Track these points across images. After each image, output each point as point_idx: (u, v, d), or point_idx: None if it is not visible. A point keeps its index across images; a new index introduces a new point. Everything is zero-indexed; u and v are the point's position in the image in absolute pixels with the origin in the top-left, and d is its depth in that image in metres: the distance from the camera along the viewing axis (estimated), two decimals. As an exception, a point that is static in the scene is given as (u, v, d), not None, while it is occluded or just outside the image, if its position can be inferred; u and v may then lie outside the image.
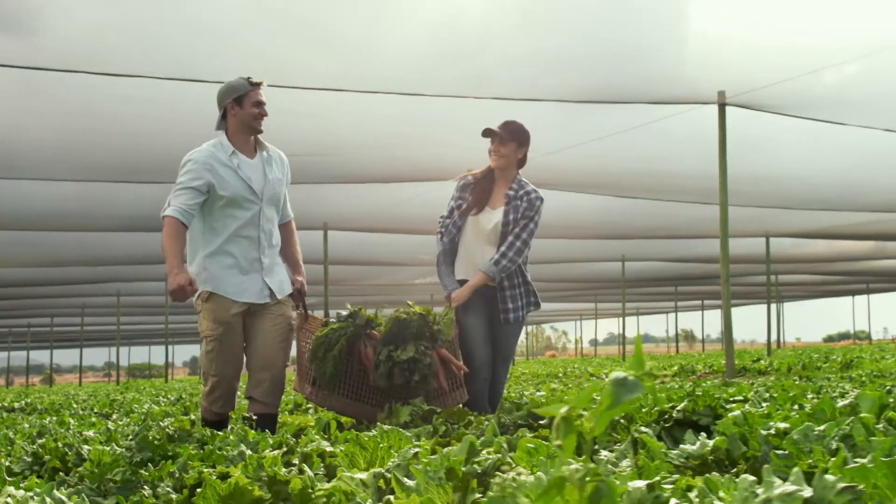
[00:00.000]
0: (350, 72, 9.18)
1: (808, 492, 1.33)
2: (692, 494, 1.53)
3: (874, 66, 10.06)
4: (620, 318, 28.47)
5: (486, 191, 5.28)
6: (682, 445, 2.72)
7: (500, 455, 2.04)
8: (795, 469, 1.36)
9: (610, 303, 38.48)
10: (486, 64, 9.70)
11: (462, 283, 5.25)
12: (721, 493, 1.44)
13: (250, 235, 4.68)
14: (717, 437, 2.58)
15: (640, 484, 1.59)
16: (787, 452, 2.38)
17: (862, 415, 2.45)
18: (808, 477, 1.46)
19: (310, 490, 2.13)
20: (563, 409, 0.87)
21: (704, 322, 49.59)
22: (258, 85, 4.67)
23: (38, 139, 10.36)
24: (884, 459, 1.41)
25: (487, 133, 5.25)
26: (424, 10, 9.02)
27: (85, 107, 9.59)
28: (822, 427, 2.47)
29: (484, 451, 2.02)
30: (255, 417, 4.60)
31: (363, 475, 2.25)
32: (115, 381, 32.60)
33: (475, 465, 1.96)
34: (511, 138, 5.24)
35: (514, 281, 5.25)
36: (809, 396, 4.60)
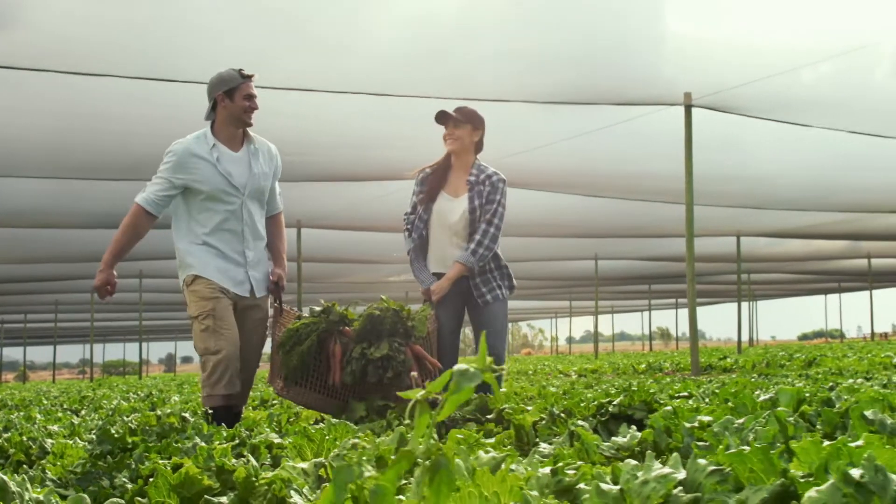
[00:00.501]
0: (325, 72, 9.26)
1: (681, 474, 1.47)
2: (570, 472, 1.67)
3: (840, 68, 10.25)
4: (590, 317, 28.68)
5: (442, 178, 5.22)
6: (613, 437, 2.88)
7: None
8: (675, 455, 1.50)
9: (585, 301, 38.70)
10: (458, 65, 9.79)
11: (437, 276, 5.16)
12: (608, 478, 1.58)
13: (234, 229, 4.66)
14: (646, 430, 2.73)
15: (546, 470, 1.73)
16: (707, 443, 2.52)
17: (779, 409, 2.61)
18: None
19: (253, 478, 2.26)
20: (419, 394, 0.99)
21: (679, 320, 49.92)
22: (249, 78, 4.64)
23: (12, 136, 10.38)
24: (758, 446, 1.56)
25: (441, 117, 5.17)
26: (397, 15, 9.09)
27: (60, 104, 9.62)
28: (741, 420, 2.62)
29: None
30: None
31: (305, 465, 2.39)
32: (90, 378, 32.50)
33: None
34: (465, 120, 5.15)
35: (484, 268, 5.16)
36: (756, 393, 4.77)
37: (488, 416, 3.76)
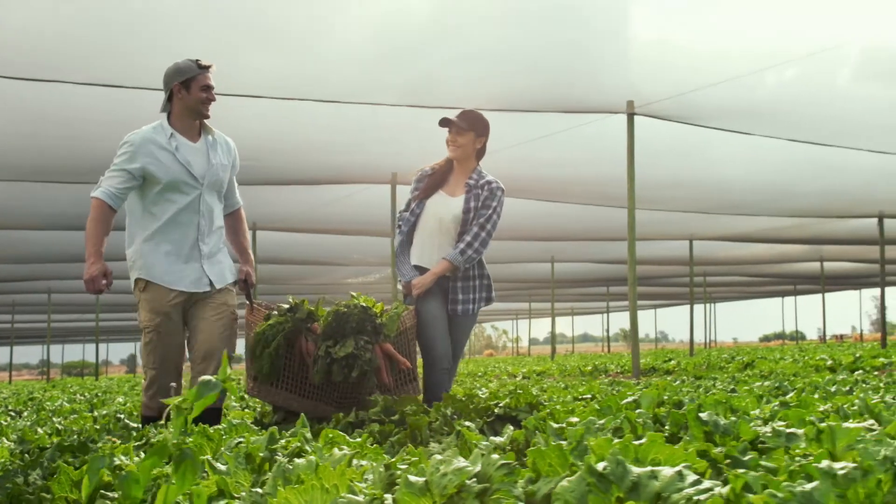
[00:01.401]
0: (285, 78, 9.41)
1: (477, 468, 1.70)
2: (416, 470, 1.90)
3: (780, 79, 10.51)
4: (555, 318, 29.02)
5: (442, 179, 5.16)
6: (492, 437, 3.11)
7: (300, 444, 2.40)
8: (476, 451, 1.73)
9: (545, 303, 39.06)
10: (410, 74, 9.95)
11: (419, 270, 5.10)
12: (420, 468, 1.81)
13: (189, 221, 4.53)
14: (518, 430, 2.96)
15: (379, 464, 1.95)
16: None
17: (638, 410, 2.85)
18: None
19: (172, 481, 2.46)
20: (177, 401, 1.20)
21: (639, 322, 50.22)
22: (207, 68, 4.53)
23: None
24: (553, 444, 1.79)
25: (445, 123, 5.11)
26: (348, 23, 9.22)
27: (17, 108, 9.72)
28: (602, 420, 2.86)
29: (283, 441, 2.37)
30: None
31: (193, 462, 2.59)
32: (47, 379, 32.36)
33: (273, 451, 2.31)
34: (468, 127, 5.08)
35: (468, 272, 5.11)
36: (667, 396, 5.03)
37: (392, 418, 3.98)
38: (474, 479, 1.68)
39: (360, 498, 1.74)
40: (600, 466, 1.49)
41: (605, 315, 44.82)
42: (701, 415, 2.57)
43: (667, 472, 1.47)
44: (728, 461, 1.85)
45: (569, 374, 12.65)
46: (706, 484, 1.41)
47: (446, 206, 5.10)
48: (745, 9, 10.03)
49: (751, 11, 10.02)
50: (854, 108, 11.37)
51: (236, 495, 2.13)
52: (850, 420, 2.82)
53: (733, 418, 2.60)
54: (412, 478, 1.72)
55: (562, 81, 10.56)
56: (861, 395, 3.51)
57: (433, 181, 5.17)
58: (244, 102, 9.49)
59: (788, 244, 23.74)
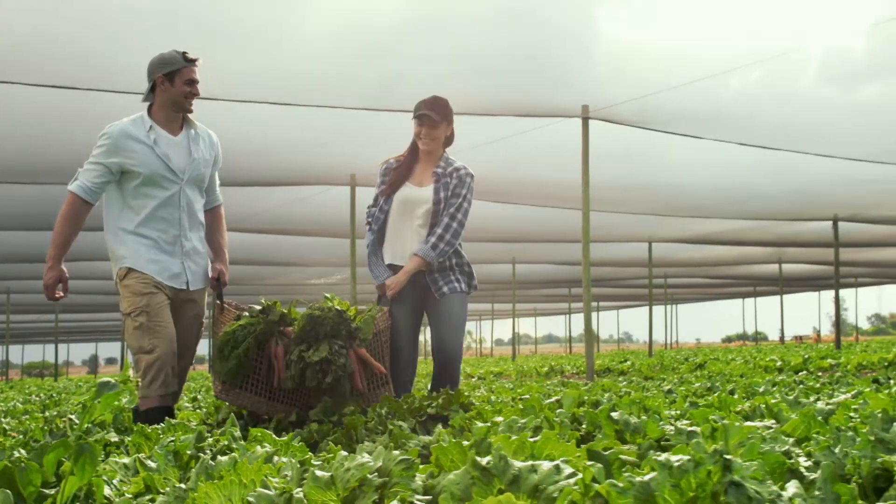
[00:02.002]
0: (246, 82, 9.45)
1: (378, 463, 1.82)
2: (317, 462, 2.02)
3: (739, 83, 10.71)
4: (517, 319, 29.23)
5: (408, 170, 4.98)
6: (422, 436, 3.23)
7: (228, 442, 2.51)
8: (379, 448, 1.85)
9: (507, 304, 39.27)
10: (366, 75, 10.01)
11: (392, 267, 4.94)
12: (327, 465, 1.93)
13: (170, 217, 4.43)
14: (445, 429, 3.09)
15: (295, 461, 2.07)
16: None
17: (559, 410, 2.98)
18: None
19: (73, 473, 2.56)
20: (81, 401, 1.31)
21: (601, 322, 50.70)
22: (193, 62, 4.43)
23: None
24: (454, 441, 1.91)
25: (424, 120, 4.89)
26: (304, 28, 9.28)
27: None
28: (524, 420, 2.99)
29: (210, 439, 2.48)
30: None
31: (127, 460, 2.69)
32: (6, 380, 32.06)
33: (201, 449, 2.42)
34: (442, 118, 4.91)
35: (444, 263, 4.93)
36: (614, 392, 5.17)
37: (332, 418, 4.09)
38: (375, 474, 1.80)
39: (272, 492, 1.85)
40: (484, 461, 1.62)
41: (568, 316, 45.11)
42: (613, 414, 2.71)
43: (546, 465, 1.60)
44: (622, 457, 1.98)
45: (525, 375, 12.81)
46: (581, 476, 1.54)
47: (415, 199, 4.93)
48: (702, 15, 10.23)
49: (709, 17, 10.22)
50: (811, 113, 11.62)
51: (162, 491, 2.23)
52: (759, 419, 2.97)
53: (644, 417, 2.74)
54: (318, 472, 1.83)
55: (519, 85, 10.69)
56: (777, 395, 3.68)
57: (399, 174, 4.98)
58: (200, 102, 9.53)
59: (747, 246, 24.09)
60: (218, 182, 4.84)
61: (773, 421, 2.78)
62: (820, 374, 8.94)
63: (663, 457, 1.28)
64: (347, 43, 9.61)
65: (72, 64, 8.62)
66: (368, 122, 10.87)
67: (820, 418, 2.68)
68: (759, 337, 51.32)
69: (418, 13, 9.50)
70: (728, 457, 1.26)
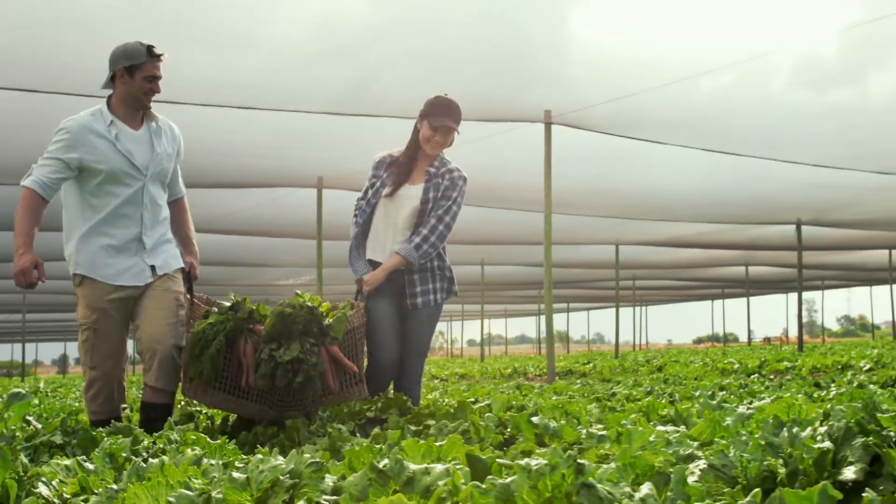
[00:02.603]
0: (214, 85, 9.49)
1: (291, 465, 1.95)
2: (240, 465, 2.15)
3: (694, 89, 10.80)
4: (489, 320, 29.41)
5: (406, 170, 4.79)
6: (359, 438, 3.36)
7: (163, 444, 2.64)
8: (293, 451, 1.98)
9: (477, 304, 39.46)
10: (332, 80, 10.07)
11: (373, 264, 4.78)
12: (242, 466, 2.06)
13: (131, 214, 4.24)
14: (380, 432, 3.23)
15: (220, 463, 2.20)
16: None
17: (488, 414, 3.13)
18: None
19: (22, 474, 2.67)
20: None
21: (571, 323, 50.92)
22: (158, 57, 4.20)
23: None
24: (366, 444, 2.05)
25: (443, 129, 4.70)
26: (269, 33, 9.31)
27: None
28: (454, 423, 3.13)
29: (146, 442, 2.61)
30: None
31: (69, 462, 2.80)
32: (-27, 379, 31.86)
33: (136, 452, 2.55)
34: (457, 125, 4.76)
35: (425, 264, 4.76)
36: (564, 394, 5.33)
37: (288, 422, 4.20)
38: (287, 475, 1.94)
39: (192, 493, 1.98)
40: (381, 464, 1.75)
41: (538, 317, 45.36)
42: (533, 419, 2.85)
43: (438, 468, 1.74)
44: (500, 461, 2.13)
45: (489, 377, 12.96)
46: (510, 480, 1.68)
47: (402, 196, 4.76)
48: (667, 21, 10.31)
49: (675, 23, 10.30)
50: (776, 119, 11.76)
51: (96, 491, 2.35)
52: (671, 424, 3.13)
53: (563, 422, 2.88)
54: (235, 474, 1.97)
55: (485, 89, 10.79)
56: (702, 400, 3.84)
57: (396, 170, 4.79)
58: (167, 106, 9.58)
59: (714, 249, 24.37)
60: (180, 173, 4.62)
61: (684, 426, 2.93)
62: (772, 376, 9.14)
63: (524, 461, 1.42)
64: (314, 46, 9.65)
65: (31, 66, 8.65)
66: (335, 125, 10.95)
67: (728, 423, 2.84)
68: (729, 338, 51.77)
69: (384, 17, 9.56)
70: (581, 461, 1.40)
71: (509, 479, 1.41)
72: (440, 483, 1.60)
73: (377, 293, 4.71)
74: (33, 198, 4.07)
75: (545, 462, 1.41)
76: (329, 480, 1.94)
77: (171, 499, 1.95)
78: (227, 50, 9.20)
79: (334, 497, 1.86)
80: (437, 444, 2.05)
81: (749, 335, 34.75)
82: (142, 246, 4.28)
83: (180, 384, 4.40)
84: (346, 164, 12.81)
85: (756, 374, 9.27)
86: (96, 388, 4.27)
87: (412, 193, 4.75)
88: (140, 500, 2.12)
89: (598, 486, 1.41)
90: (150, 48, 4.18)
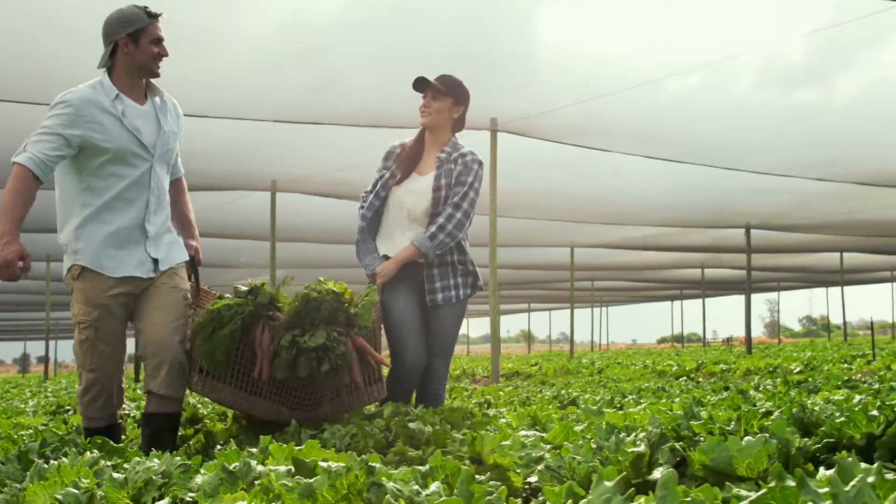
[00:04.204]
0: (175, 89, 9.63)
1: (163, 467, 2.26)
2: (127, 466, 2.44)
3: (639, 97, 10.98)
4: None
5: (414, 157, 4.57)
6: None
7: (69, 448, 2.93)
8: (165, 454, 2.29)
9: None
10: (286, 87, 10.23)
11: (387, 259, 4.49)
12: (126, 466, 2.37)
13: (136, 199, 3.88)
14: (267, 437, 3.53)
15: (110, 464, 2.49)
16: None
17: (377, 419, 3.45)
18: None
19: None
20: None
21: (532, 323, 51.25)
22: (157, 17, 3.86)
23: None
24: (234, 449, 2.35)
25: (419, 84, 4.50)
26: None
27: None
28: (346, 428, 3.44)
29: (54, 444, 2.90)
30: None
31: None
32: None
33: (42, 454, 2.84)
34: (447, 92, 4.52)
35: (444, 258, 4.47)
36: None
37: (196, 426, 4.49)
38: (159, 476, 2.24)
39: (78, 491, 2.27)
40: (231, 466, 2.06)
41: (501, 317, 45.81)
42: (410, 425, 3.17)
43: (281, 469, 2.04)
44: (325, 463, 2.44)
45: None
46: (314, 479, 1.99)
47: (415, 187, 4.50)
48: (621, 26, 10.52)
49: (628, 29, 10.51)
50: (724, 129, 12.09)
51: (1, 490, 2.63)
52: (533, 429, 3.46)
53: (437, 427, 3.20)
54: (115, 474, 2.27)
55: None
56: (583, 406, 4.18)
57: (405, 160, 4.57)
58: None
59: (668, 251, 24.86)
60: (179, 153, 4.24)
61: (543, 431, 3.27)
62: (700, 379, 9.53)
63: (325, 464, 1.74)
64: (268, 55, 9.80)
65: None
66: (290, 130, 11.16)
67: (579, 428, 3.18)
68: (693, 338, 52.66)
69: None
70: (372, 464, 1.72)
71: (313, 479, 1.72)
72: (277, 483, 1.91)
73: (394, 290, 4.42)
74: (26, 177, 3.62)
75: (343, 464, 1.73)
76: (199, 479, 2.25)
77: (59, 496, 2.24)
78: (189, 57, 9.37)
79: (197, 493, 2.16)
80: (297, 448, 2.35)
81: (704, 336, 35.31)
82: (144, 234, 3.91)
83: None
84: (302, 167, 13.10)
85: (684, 377, 9.64)
86: (94, 391, 3.90)
87: (423, 183, 4.49)
88: (38, 497, 2.40)
89: (388, 484, 1.72)
90: (146, 9, 3.85)
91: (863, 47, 10.97)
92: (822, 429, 2.47)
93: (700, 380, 9.33)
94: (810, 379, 6.67)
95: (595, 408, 3.94)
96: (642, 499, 1.38)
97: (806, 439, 2.44)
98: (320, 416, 4.11)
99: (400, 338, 4.36)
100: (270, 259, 15.52)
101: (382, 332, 4.42)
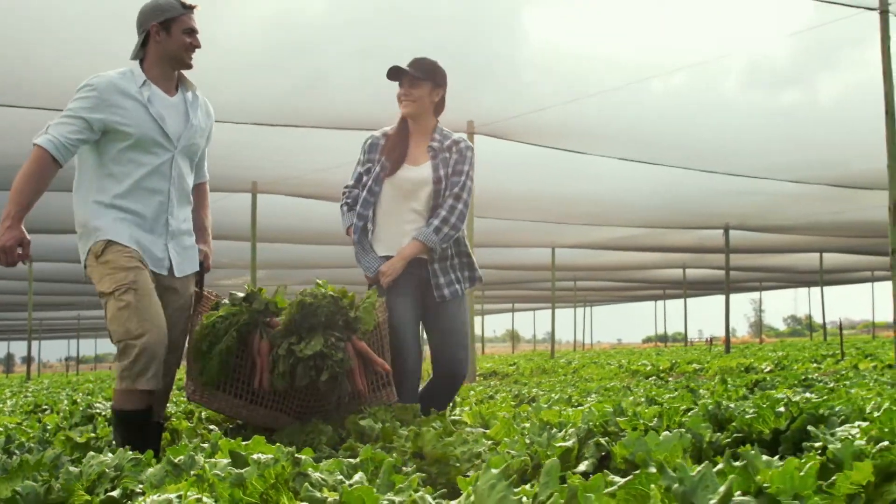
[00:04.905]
0: None
1: (116, 461, 2.41)
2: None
3: (613, 101, 11.11)
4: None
5: (401, 147, 4.40)
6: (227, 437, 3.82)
7: (34, 445, 3.08)
8: (119, 450, 2.44)
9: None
10: (264, 90, 10.35)
11: (385, 260, 4.35)
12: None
13: (158, 188, 3.77)
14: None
15: (68, 459, 2.65)
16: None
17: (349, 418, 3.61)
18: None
19: None
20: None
21: (516, 323, 51.45)
22: (192, 8, 3.81)
23: None
24: (184, 443, 2.51)
25: (394, 73, 4.36)
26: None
27: None
28: (301, 426, 3.59)
29: (19, 441, 3.05)
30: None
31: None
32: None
33: (7, 450, 2.99)
34: (424, 77, 4.37)
35: (445, 252, 4.38)
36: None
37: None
38: (112, 469, 2.40)
39: (37, 483, 2.43)
40: (177, 459, 2.22)
41: (482, 317, 46.03)
42: (361, 422, 3.34)
43: (223, 462, 2.20)
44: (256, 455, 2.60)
45: (414, 377, 13.38)
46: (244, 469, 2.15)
47: (411, 180, 4.36)
48: (604, 29, 10.63)
49: (610, 32, 10.62)
50: (706, 131, 12.25)
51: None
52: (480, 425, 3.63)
53: (387, 424, 3.37)
54: (72, 468, 2.42)
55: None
56: (535, 404, 4.36)
57: (391, 151, 4.41)
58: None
59: (649, 252, 25.11)
60: (206, 157, 4.21)
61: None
62: (671, 379, 9.71)
63: (256, 456, 1.90)
64: (245, 57, 9.89)
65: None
66: (270, 132, 11.28)
67: (525, 425, 3.35)
68: (678, 338, 53.00)
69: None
70: (298, 455, 1.88)
71: (243, 469, 1.89)
72: (211, 473, 2.07)
73: (396, 290, 4.30)
74: (45, 159, 3.54)
75: (271, 456, 1.89)
76: (149, 472, 2.40)
77: (18, 489, 2.39)
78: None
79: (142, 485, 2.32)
80: (244, 443, 2.51)
81: (686, 336, 35.59)
82: (165, 227, 3.80)
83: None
84: (282, 169, 13.25)
85: (654, 377, 9.83)
86: (145, 358, 3.54)
87: (421, 175, 4.36)
88: (2, 491, 2.56)
89: (314, 475, 1.88)
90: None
91: (844, 48, 11.17)
92: (734, 424, 2.65)
93: (670, 379, 9.51)
94: (768, 378, 6.86)
95: (546, 405, 4.11)
96: (527, 485, 1.54)
97: (719, 434, 2.62)
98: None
99: (401, 337, 4.25)
100: (251, 259, 15.67)
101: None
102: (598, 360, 15.59)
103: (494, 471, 1.50)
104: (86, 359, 69.26)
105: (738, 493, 1.38)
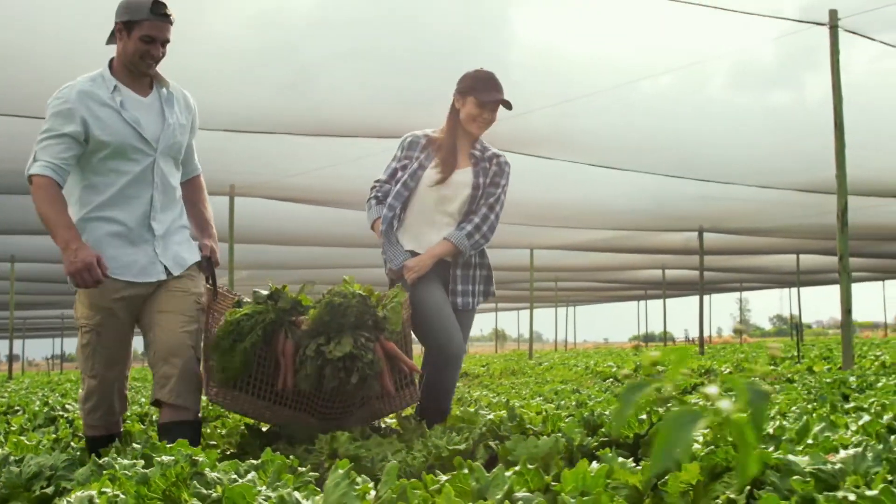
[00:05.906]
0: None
1: (51, 461, 2.73)
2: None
3: (577, 108, 11.22)
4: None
5: (454, 154, 4.41)
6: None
7: (-12, 445, 3.40)
8: (55, 452, 2.76)
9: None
10: (244, 95, 10.52)
11: (412, 254, 4.36)
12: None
13: (139, 195, 3.68)
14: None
15: (15, 460, 2.96)
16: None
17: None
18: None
19: None
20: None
21: (498, 322, 51.67)
22: (163, 17, 3.62)
23: None
24: (117, 444, 2.82)
25: (496, 103, 4.38)
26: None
27: None
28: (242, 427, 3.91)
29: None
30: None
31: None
32: None
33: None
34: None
35: (470, 259, 4.43)
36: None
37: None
38: (48, 468, 2.71)
39: (-18, 481, 2.74)
40: (101, 460, 2.54)
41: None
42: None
43: (167, 459, 2.51)
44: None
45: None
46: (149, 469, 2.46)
47: (452, 181, 4.39)
48: (589, 32, 10.83)
49: (594, 35, 10.81)
50: (677, 136, 12.49)
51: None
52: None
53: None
54: (13, 467, 2.74)
55: (379, 111, 11.36)
56: (475, 406, 4.68)
57: (446, 158, 4.41)
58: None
59: (627, 253, 25.46)
60: (195, 149, 4.10)
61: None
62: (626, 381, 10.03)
63: (160, 457, 2.22)
64: (227, 63, 10.03)
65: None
66: (249, 138, 11.47)
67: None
68: (667, 337, 53.45)
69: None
70: (195, 457, 2.20)
71: (148, 469, 2.20)
72: (120, 472, 2.38)
73: (426, 281, 4.30)
74: (51, 186, 3.50)
75: (172, 457, 2.21)
76: (79, 471, 2.72)
77: (-36, 485, 2.71)
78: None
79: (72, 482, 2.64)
80: (168, 446, 2.82)
81: (665, 336, 36.00)
82: (151, 233, 3.71)
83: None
84: (260, 172, 13.49)
85: (611, 379, 10.15)
86: (96, 398, 3.73)
87: (462, 179, 4.40)
88: (-49, 487, 2.87)
89: (211, 474, 2.20)
90: (155, 3, 3.60)
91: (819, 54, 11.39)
92: (602, 429, 2.98)
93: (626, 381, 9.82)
94: (705, 382, 7.18)
95: (473, 410, 4.43)
96: (369, 485, 1.86)
97: (590, 438, 2.95)
98: (349, 423, 3.98)
99: (443, 327, 4.22)
100: (229, 261, 15.95)
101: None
102: (567, 362, 15.93)
103: (340, 471, 1.82)
104: (71, 357, 69.31)
105: (524, 490, 1.70)
